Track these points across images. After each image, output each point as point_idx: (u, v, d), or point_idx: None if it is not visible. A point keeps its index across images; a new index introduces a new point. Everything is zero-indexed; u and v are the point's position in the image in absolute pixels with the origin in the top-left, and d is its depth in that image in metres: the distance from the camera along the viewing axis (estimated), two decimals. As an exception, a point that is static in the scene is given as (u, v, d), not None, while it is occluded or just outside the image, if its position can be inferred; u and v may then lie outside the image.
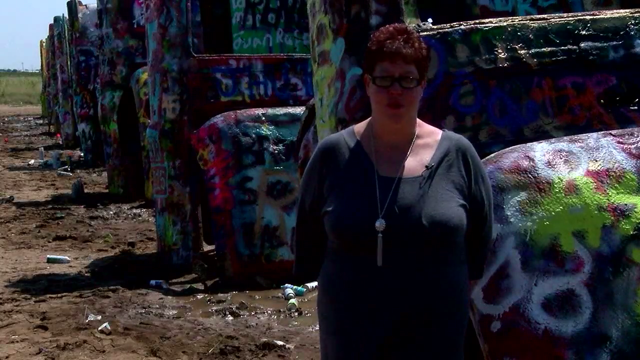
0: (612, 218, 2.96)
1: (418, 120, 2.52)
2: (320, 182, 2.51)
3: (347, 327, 2.43)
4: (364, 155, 2.48)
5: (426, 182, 2.41)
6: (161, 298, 6.67)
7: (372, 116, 2.50)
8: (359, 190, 2.42)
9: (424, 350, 2.40)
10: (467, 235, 2.47)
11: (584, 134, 3.28)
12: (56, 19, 22.48)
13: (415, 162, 2.45)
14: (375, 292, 2.38)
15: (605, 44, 3.70)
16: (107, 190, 13.19)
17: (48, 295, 6.75)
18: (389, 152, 2.46)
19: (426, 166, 2.43)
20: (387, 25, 2.50)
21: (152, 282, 7.09)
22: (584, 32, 3.70)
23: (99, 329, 5.73)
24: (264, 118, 7.32)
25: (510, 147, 3.23)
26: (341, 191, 2.45)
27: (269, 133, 7.26)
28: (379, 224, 2.35)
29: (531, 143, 3.23)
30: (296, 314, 6.12)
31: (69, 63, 20.90)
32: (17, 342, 5.53)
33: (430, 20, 3.85)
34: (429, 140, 2.50)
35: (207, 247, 7.90)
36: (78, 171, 16.32)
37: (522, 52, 3.64)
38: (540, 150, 3.13)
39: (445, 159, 2.46)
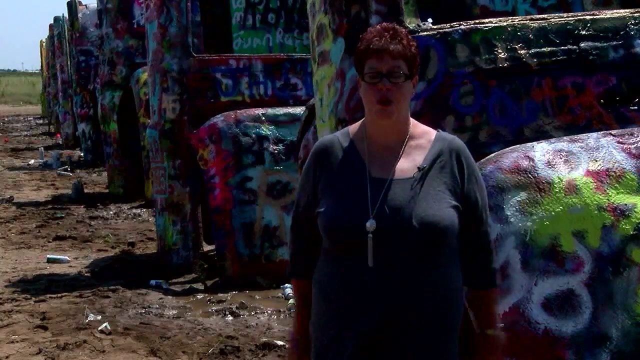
0: (612, 218, 2.96)
1: (412, 120, 2.52)
2: (314, 183, 2.51)
3: (337, 326, 2.44)
4: (356, 156, 2.47)
5: (418, 183, 2.40)
6: (161, 298, 6.67)
7: (365, 116, 2.50)
8: (350, 191, 2.42)
9: (413, 351, 2.39)
10: (463, 238, 2.46)
11: (584, 134, 3.28)
12: (56, 19, 22.51)
13: (408, 163, 2.44)
14: (365, 292, 2.38)
15: (605, 44, 3.70)
16: (107, 190, 13.19)
17: (48, 295, 6.76)
18: (381, 153, 2.46)
19: (418, 167, 2.43)
20: (375, 25, 2.51)
21: (152, 282, 7.10)
22: (584, 32, 3.70)
23: (99, 329, 5.73)
24: (264, 118, 7.32)
25: (510, 147, 3.23)
26: (333, 192, 2.45)
27: (269, 133, 7.26)
28: (370, 225, 2.35)
29: (531, 143, 3.23)
30: (296, 314, 6.12)
31: (69, 63, 20.92)
32: (17, 342, 5.54)
33: (430, 20, 3.85)
34: (422, 141, 2.49)
35: (207, 247, 7.90)
36: (78, 171, 16.33)
37: (522, 52, 3.64)
38: (540, 150, 3.13)
39: (438, 160, 2.45)
